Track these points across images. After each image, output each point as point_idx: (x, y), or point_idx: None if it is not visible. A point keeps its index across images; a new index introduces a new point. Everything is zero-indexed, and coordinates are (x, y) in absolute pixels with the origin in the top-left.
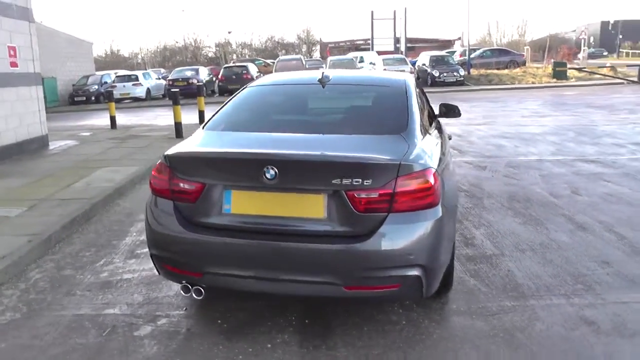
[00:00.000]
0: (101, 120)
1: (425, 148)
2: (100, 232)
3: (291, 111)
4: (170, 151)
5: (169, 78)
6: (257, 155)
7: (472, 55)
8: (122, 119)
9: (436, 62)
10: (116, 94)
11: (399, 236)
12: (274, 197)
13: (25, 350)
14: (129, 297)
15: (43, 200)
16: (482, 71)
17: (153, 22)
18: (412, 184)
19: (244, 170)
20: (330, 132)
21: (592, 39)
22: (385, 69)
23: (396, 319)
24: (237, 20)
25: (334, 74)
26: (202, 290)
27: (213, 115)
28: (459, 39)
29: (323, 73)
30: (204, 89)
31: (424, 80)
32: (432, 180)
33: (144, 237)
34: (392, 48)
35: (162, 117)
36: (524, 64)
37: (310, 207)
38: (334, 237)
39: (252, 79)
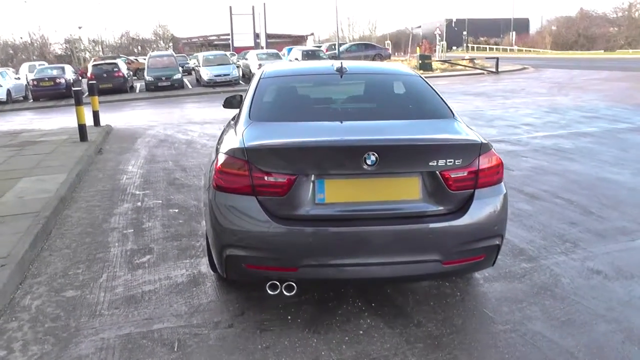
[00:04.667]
0: None
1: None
2: (73, 247)
3: (331, 100)
4: (249, 144)
5: (33, 78)
6: (359, 142)
7: (342, 49)
8: None
9: (309, 56)
10: None
11: (486, 210)
12: (370, 183)
13: None
14: (170, 309)
15: None
16: None
17: None
18: (488, 162)
19: (343, 158)
20: (388, 118)
21: (437, 34)
22: (260, 64)
23: (450, 292)
24: (87, 14)
25: (344, 64)
26: (295, 286)
27: (250, 107)
28: (312, 34)
29: (342, 63)
30: (89, 89)
31: None
32: (498, 157)
33: (130, 246)
34: (252, 43)
35: (39, 121)
36: (389, 57)
37: (406, 190)
38: (431, 216)
39: (124, 77)
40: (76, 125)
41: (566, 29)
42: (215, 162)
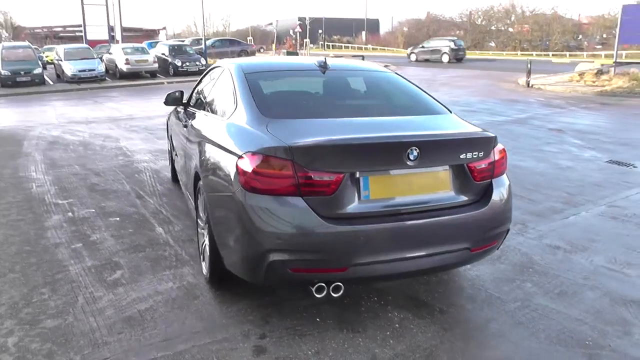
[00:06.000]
0: None
1: None
2: (19, 270)
3: (333, 96)
4: (294, 143)
5: None
6: (403, 138)
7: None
8: None
9: (176, 51)
10: None
11: (502, 197)
12: (409, 177)
13: None
14: (184, 326)
15: None
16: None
17: None
18: (498, 153)
19: (389, 153)
20: (400, 114)
21: (291, 31)
22: (127, 59)
23: (448, 278)
24: None
25: (328, 61)
26: (342, 286)
27: (256, 103)
28: (164, 28)
29: (325, 59)
30: None
31: (165, 69)
32: (504, 149)
33: (90, 262)
34: (106, 37)
35: None
36: (254, 53)
37: (439, 183)
38: (460, 206)
39: None
40: None
41: (417, 30)
42: (237, 162)
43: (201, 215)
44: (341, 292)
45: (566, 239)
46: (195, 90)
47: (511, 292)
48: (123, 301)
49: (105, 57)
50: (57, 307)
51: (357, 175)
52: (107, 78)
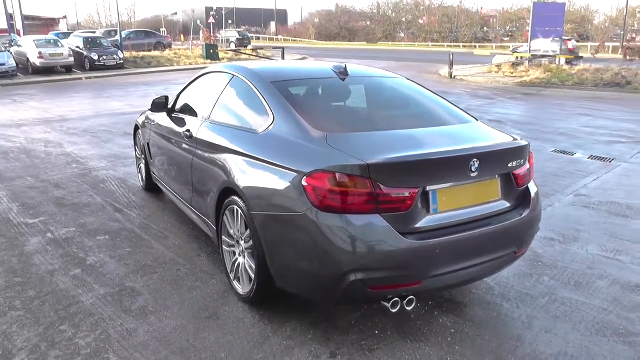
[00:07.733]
0: None
1: None
2: (20, 306)
3: (368, 106)
4: (372, 160)
5: None
6: (466, 151)
7: (117, 38)
8: None
9: (91, 44)
10: None
11: (538, 200)
12: (469, 188)
13: None
14: (244, 352)
15: None
16: (135, 53)
17: None
18: (530, 160)
19: (456, 166)
20: (436, 124)
21: (198, 21)
22: (41, 52)
23: None
24: None
25: (348, 67)
26: (415, 299)
27: (302, 116)
28: (65, 17)
29: (345, 66)
30: None
31: (80, 64)
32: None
33: (102, 290)
34: (6, 26)
35: None
36: (169, 46)
37: (492, 191)
38: (508, 212)
39: None
40: None
41: (328, 22)
42: (304, 180)
43: (230, 232)
44: (414, 304)
45: (555, 230)
46: (185, 97)
47: (535, 287)
48: (163, 331)
49: (14, 50)
50: (89, 345)
51: (427, 189)
52: (18, 74)
